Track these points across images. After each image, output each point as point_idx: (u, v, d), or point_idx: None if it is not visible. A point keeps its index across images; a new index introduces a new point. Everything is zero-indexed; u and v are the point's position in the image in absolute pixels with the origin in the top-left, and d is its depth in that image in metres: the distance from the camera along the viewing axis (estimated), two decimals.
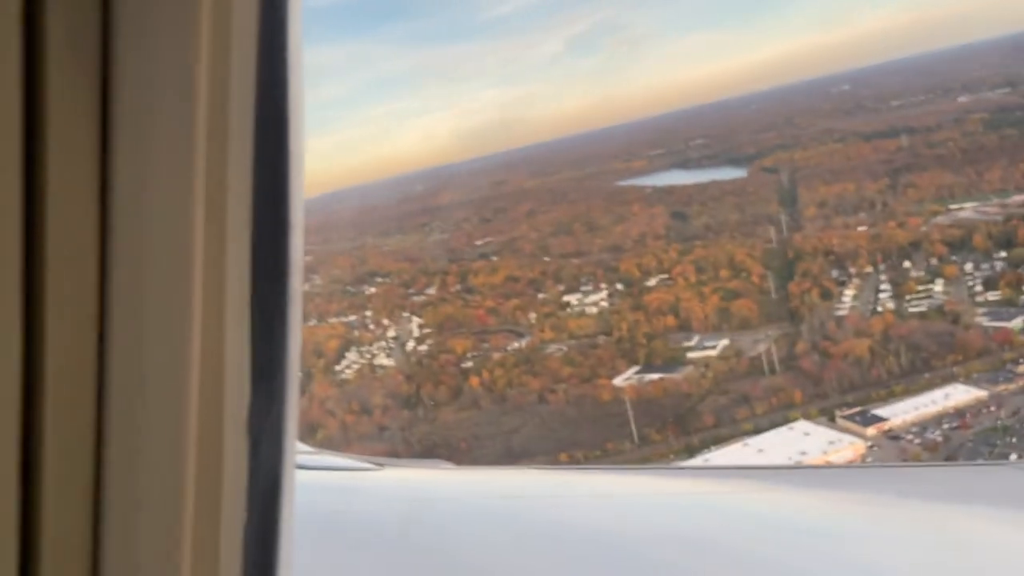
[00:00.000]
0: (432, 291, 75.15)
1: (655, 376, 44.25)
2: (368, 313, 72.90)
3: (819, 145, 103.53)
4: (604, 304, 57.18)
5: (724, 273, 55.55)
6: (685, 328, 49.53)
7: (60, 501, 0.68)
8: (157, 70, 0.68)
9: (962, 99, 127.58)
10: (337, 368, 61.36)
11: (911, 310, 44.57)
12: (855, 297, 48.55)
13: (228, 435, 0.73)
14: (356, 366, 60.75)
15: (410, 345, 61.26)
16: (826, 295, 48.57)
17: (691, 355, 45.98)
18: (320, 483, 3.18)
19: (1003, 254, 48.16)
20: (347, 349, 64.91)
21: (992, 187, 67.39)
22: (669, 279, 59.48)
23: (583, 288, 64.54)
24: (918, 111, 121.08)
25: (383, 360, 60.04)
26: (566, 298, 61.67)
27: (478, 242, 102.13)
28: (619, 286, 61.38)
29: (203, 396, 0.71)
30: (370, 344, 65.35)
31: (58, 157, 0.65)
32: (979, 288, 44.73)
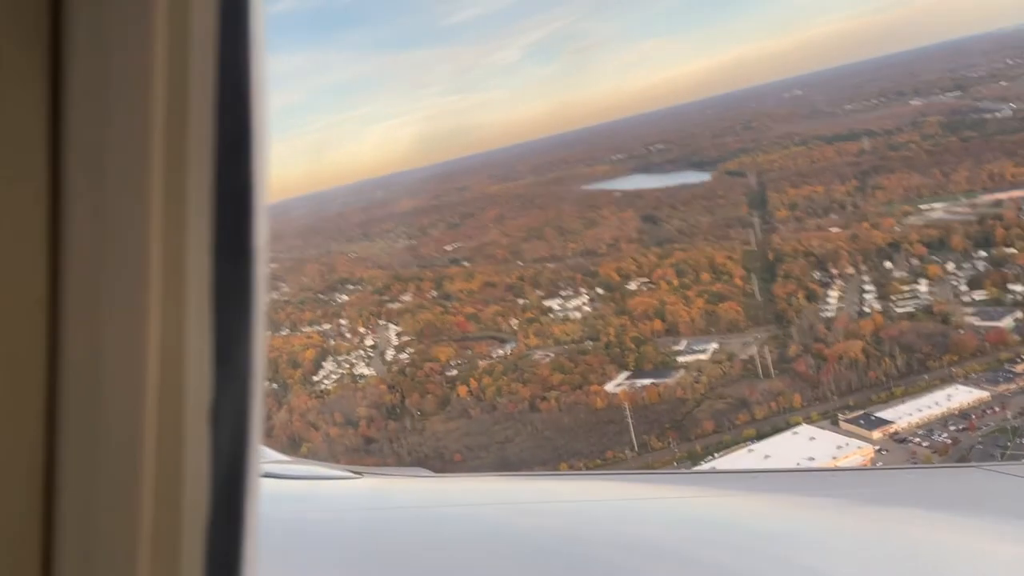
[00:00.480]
0: (408, 298, 73.51)
1: (646, 381, 43.26)
2: (343, 321, 71.04)
3: (781, 148, 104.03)
4: (587, 309, 56.15)
5: (705, 276, 54.84)
6: (672, 332, 48.66)
7: (11, 492, 0.65)
8: (111, 61, 0.65)
9: (915, 102, 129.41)
10: (315, 379, 59.51)
11: (898, 311, 44.15)
12: (840, 298, 48.09)
13: (189, 422, 0.69)
14: (335, 376, 58.93)
15: (390, 354, 59.64)
16: (811, 297, 48.05)
17: (681, 359, 45.10)
18: (292, 492, 3.10)
19: (983, 253, 48.02)
20: (324, 359, 63.04)
21: (959, 188, 67.71)
22: (650, 283, 58.69)
23: (562, 293, 63.50)
24: (874, 114, 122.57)
25: (363, 369, 58.30)
26: (547, 303, 60.56)
27: (448, 247, 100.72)
28: (599, 290, 60.42)
29: (163, 383, 0.67)
30: (347, 353, 63.51)
31: (6, 147, 0.63)
32: (964, 287, 44.45)
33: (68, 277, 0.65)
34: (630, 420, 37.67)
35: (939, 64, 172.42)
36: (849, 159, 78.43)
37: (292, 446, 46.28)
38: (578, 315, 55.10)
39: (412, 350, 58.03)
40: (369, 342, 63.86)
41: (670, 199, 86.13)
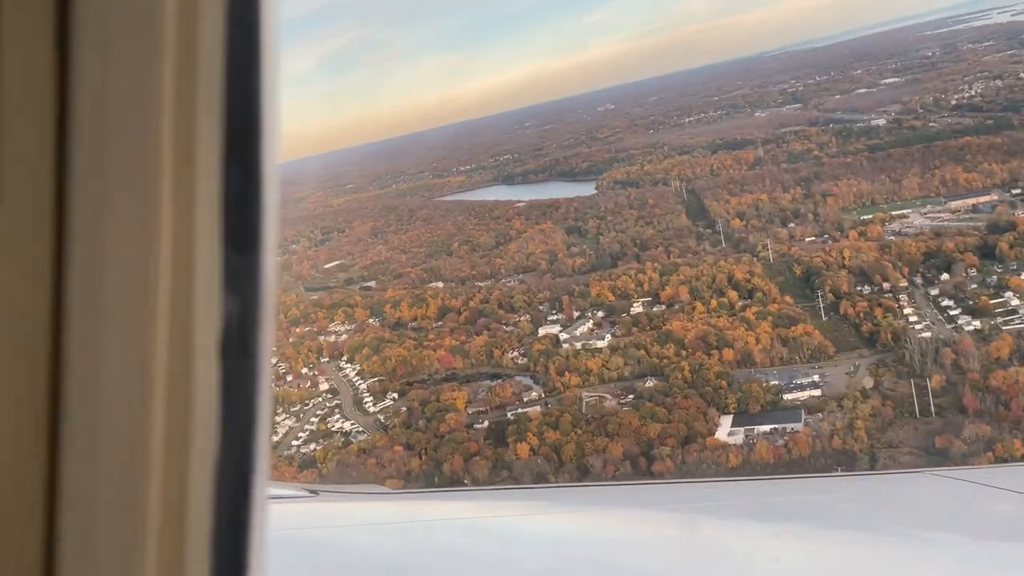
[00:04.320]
0: (343, 327, 59.96)
1: (765, 428, 34.27)
2: (272, 360, 56.16)
3: (662, 159, 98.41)
4: (608, 336, 46.25)
5: (733, 295, 46.74)
6: (747, 363, 40.04)
7: (12, 496, 0.61)
8: (118, 57, 0.62)
9: (760, 114, 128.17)
10: (276, 439, 45.34)
11: (1006, 328, 38.08)
12: (917, 314, 41.56)
13: (197, 420, 0.64)
14: (304, 435, 44.99)
15: (368, 401, 46.56)
16: (891, 314, 41.19)
17: (790, 396, 36.52)
18: None
19: None
20: (274, 411, 48.74)
21: (913, 194, 64.24)
22: (658, 303, 49.78)
23: (551, 318, 53.10)
24: (722, 126, 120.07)
25: (342, 424, 44.92)
26: (544, 331, 49.95)
27: (328, 265, 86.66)
28: (600, 313, 50.69)
29: (170, 382, 0.63)
30: (303, 402, 49.56)
31: (14, 143, 0.60)
32: None
33: (72, 272, 0.61)
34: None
35: (740, 80, 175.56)
36: (786, 167, 73.64)
37: None
38: (603, 344, 45.09)
39: (399, 394, 45.42)
40: (324, 386, 50.28)
41: (591, 209, 77.81)
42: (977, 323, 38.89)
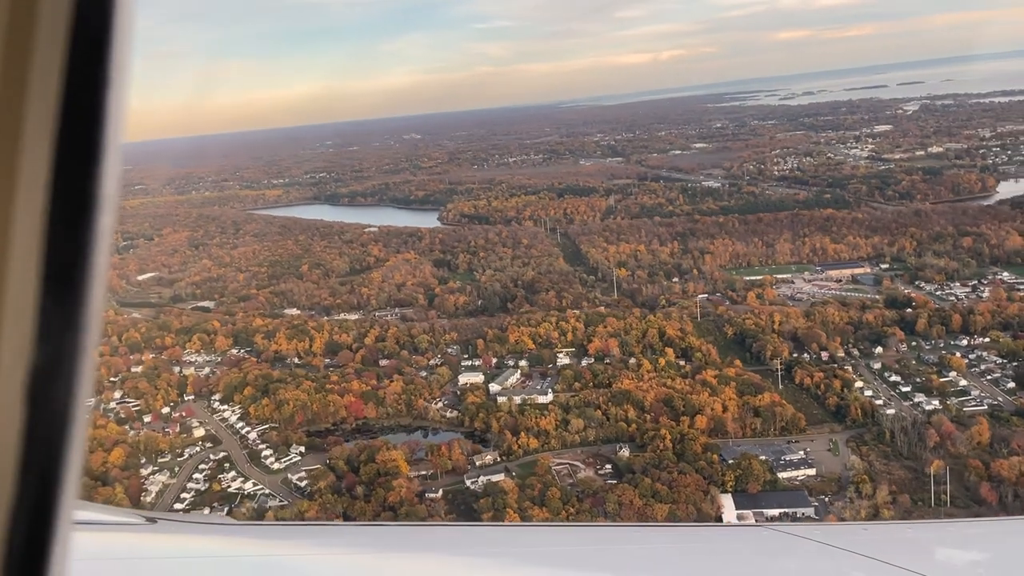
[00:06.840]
0: (202, 358, 49.27)
1: (775, 511, 30.73)
2: (118, 395, 44.62)
3: (509, 196, 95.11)
4: (549, 391, 40.88)
5: (670, 352, 43.45)
6: (719, 431, 36.56)
7: None
8: None
9: (584, 163, 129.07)
10: (147, 499, 35.00)
11: (966, 410, 37.47)
12: (870, 388, 40.28)
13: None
14: (188, 495, 34.92)
15: (268, 454, 37.27)
16: (847, 386, 39.60)
17: (784, 475, 33.29)
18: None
19: (964, 342, 43.84)
20: (139, 462, 37.96)
21: (786, 259, 64.94)
22: (586, 355, 45.31)
23: (466, 363, 46.57)
24: (552, 170, 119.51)
25: (241, 483, 35.41)
26: (466, 379, 43.48)
27: (142, 277, 74.09)
28: (523, 362, 45.20)
29: None
30: (175, 452, 38.98)
31: None
32: (1011, 384, 39.35)
33: None
34: None
35: (547, 127, 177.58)
36: (660, 222, 72.12)
37: None
38: (546, 400, 39.73)
39: (306, 448, 36.87)
40: (199, 432, 40.26)
41: (459, 243, 72.02)
42: (936, 403, 37.99)
